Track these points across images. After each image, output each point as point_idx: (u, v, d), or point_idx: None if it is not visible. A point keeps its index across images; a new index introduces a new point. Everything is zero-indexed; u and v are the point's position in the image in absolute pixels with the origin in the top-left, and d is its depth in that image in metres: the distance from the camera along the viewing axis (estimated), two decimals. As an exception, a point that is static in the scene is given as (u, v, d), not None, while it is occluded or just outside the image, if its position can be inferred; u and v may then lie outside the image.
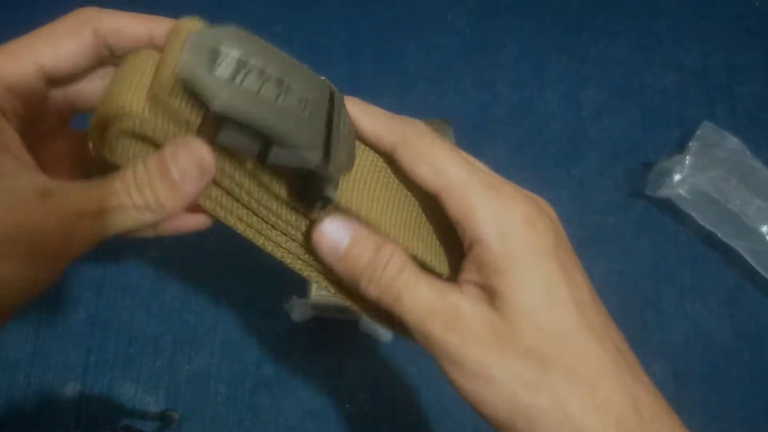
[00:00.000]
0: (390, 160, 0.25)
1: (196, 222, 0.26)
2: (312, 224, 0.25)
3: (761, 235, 0.55)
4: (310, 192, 0.23)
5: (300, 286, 0.57)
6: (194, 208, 0.26)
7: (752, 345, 0.55)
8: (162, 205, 0.21)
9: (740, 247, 0.55)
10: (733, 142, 0.57)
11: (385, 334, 0.55)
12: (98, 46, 0.23)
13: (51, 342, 0.56)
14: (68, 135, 0.26)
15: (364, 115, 0.26)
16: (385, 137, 0.25)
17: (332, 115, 0.26)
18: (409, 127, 0.24)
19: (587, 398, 0.21)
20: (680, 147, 0.60)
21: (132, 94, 0.21)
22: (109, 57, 0.24)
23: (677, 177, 0.56)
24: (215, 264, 0.58)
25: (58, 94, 0.24)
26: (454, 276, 0.26)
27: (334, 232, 0.24)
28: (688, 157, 0.57)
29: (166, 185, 0.21)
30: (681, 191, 0.56)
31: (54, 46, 0.22)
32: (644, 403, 0.22)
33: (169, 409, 0.54)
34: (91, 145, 0.22)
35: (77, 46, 0.23)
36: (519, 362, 0.21)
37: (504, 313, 0.22)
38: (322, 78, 0.25)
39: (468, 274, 0.23)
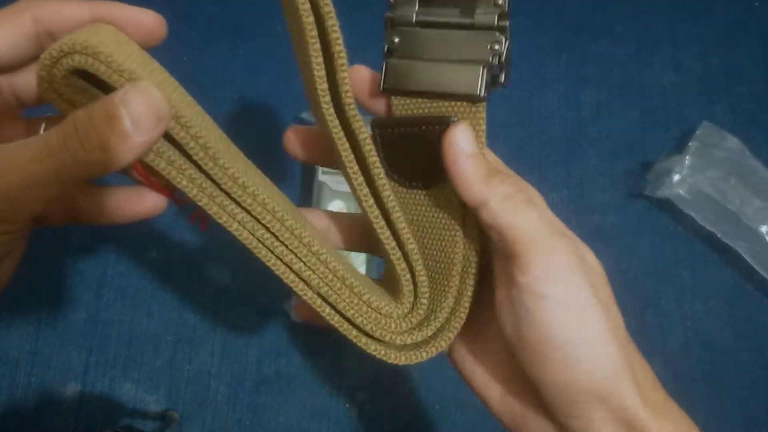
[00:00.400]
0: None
1: (149, 207, 0.25)
2: None
3: (760, 235, 0.55)
4: None
5: (300, 286, 0.57)
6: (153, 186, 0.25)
7: (752, 345, 0.55)
8: (110, 156, 0.19)
9: (740, 247, 0.55)
10: (732, 142, 0.57)
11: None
12: (39, 34, 0.23)
13: (51, 342, 0.56)
14: (20, 125, 0.26)
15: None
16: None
17: None
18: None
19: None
20: (679, 147, 0.60)
21: (103, 42, 0.20)
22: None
23: (676, 177, 0.56)
24: (215, 264, 0.58)
25: (3, 84, 0.24)
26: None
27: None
28: (687, 157, 0.57)
29: (116, 135, 0.19)
30: (680, 191, 0.56)
31: None
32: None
33: (169, 408, 0.54)
34: (39, 76, 0.20)
35: (16, 32, 0.22)
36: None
37: None
38: None
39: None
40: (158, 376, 0.55)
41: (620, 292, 0.56)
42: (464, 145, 0.24)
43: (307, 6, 0.23)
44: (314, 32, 0.24)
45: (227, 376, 0.55)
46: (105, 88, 0.21)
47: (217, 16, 0.66)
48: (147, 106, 0.19)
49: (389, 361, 0.25)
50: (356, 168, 0.24)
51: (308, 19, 0.22)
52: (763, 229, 0.55)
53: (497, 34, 0.24)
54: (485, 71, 0.23)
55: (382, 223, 0.25)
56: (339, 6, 0.70)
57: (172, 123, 0.21)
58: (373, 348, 0.25)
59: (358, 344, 0.25)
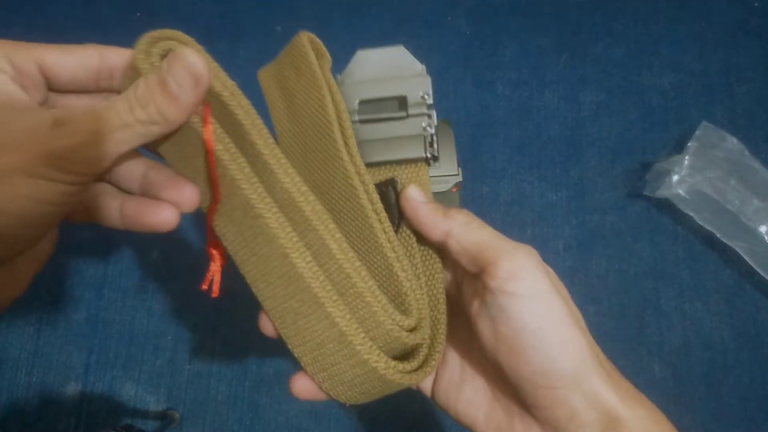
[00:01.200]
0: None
1: (162, 220, 0.28)
2: None
3: (760, 235, 0.55)
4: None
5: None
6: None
7: (751, 345, 0.55)
8: (165, 117, 0.23)
9: (739, 247, 0.55)
10: (732, 142, 0.57)
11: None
12: (101, 71, 0.25)
13: (52, 342, 0.56)
14: None
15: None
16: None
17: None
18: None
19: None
20: (679, 147, 0.60)
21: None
22: (107, 88, 0.26)
23: (676, 177, 0.56)
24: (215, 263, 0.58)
25: (51, 99, 0.26)
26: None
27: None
28: (687, 157, 0.57)
29: (166, 98, 0.23)
30: (680, 191, 0.56)
31: (61, 53, 0.24)
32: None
33: (170, 408, 0.54)
34: (139, 50, 0.24)
35: (81, 60, 0.25)
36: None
37: None
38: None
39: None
40: (159, 376, 0.55)
41: (620, 292, 0.57)
42: (418, 197, 0.29)
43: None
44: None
45: (228, 376, 0.55)
46: None
47: (217, 17, 0.66)
48: (185, 69, 0.23)
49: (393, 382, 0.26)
50: (375, 218, 0.29)
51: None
52: (763, 229, 0.55)
53: (428, 117, 0.32)
54: (425, 140, 0.31)
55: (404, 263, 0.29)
56: (338, 8, 0.71)
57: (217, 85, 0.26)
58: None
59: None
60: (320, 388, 0.29)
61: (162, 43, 0.25)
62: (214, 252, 0.30)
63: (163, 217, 0.28)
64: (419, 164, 0.32)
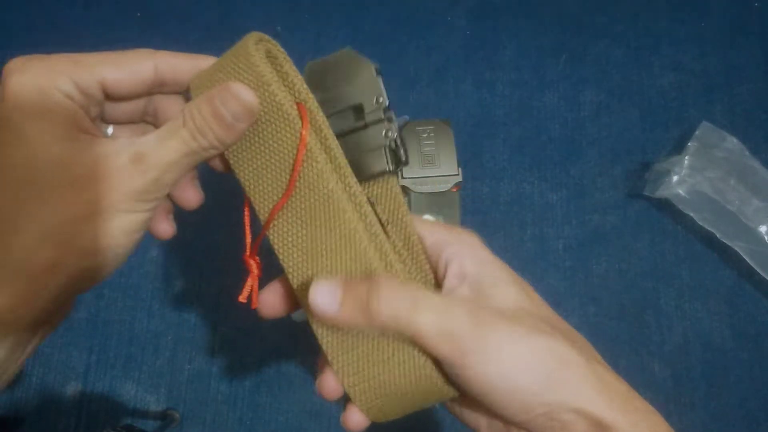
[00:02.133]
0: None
1: (159, 232, 0.30)
2: None
3: (759, 235, 0.55)
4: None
5: (300, 285, 0.57)
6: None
7: (751, 344, 0.55)
8: (223, 142, 0.27)
9: (739, 246, 0.55)
10: (732, 142, 0.57)
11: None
12: (154, 81, 0.27)
13: (53, 342, 0.56)
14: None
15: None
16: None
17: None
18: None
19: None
20: (679, 147, 0.60)
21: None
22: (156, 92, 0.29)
23: (676, 177, 0.56)
24: (216, 264, 0.58)
25: (106, 108, 0.29)
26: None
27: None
28: (687, 157, 0.57)
29: (224, 128, 0.26)
30: (680, 191, 0.56)
31: (119, 68, 0.27)
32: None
33: (170, 408, 0.54)
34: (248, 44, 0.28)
35: (138, 75, 0.27)
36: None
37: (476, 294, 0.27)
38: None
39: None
40: (159, 376, 0.55)
41: (620, 292, 0.57)
42: (323, 303, 0.26)
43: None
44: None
45: (228, 376, 0.55)
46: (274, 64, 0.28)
47: (217, 16, 0.66)
48: (239, 104, 0.26)
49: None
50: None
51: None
52: (762, 228, 0.55)
53: (386, 122, 0.30)
54: (387, 151, 0.30)
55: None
56: (338, 8, 0.71)
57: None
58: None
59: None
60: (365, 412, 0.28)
61: (263, 43, 0.28)
62: (252, 263, 0.32)
63: (162, 230, 0.30)
64: (387, 177, 0.30)
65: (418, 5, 0.66)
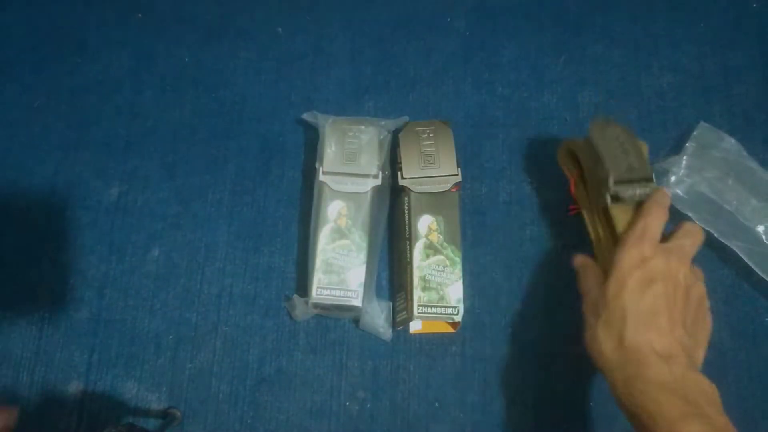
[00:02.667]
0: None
1: None
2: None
3: (757, 235, 0.56)
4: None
5: (301, 285, 0.58)
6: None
7: (749, 344, 0.55)
8: None
9: (736, 246, 0.56)
10: (729, 142, 0.58)
11: (384, 332, 0.55)
12: None
13: (54, 341, 0.57)
14: None
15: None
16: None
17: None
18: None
19: (605, 332, 0.44)
20: (677, 148, 0.61)
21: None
22: None
23: (674, 178, 0.57)
24: (217, 263, 0.59)
25: None
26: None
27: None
28: (684, 157, 0.57)
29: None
30: (678, 191, 0.57)
31: None
32: (631, 342, 0.42)
33: (171, 406, 0.55)
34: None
35: None
36: (591, 315, 0.45)
37: (602, 293, 0.45)
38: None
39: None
40: (160, 375, 0.56)
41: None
42: None
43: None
44: None
45: (229, 375, 0.56)
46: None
47: (218, 17, 0.67)
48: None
49: None
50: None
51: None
52: (760, 228, 0.56)
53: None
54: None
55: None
56: (338, 9, 0.71)
57: None
58: None
59: None
60: None
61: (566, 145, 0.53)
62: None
63: None
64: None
65: (418, 7, 0.66)
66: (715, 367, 0.55)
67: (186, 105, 0.64)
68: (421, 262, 0.53)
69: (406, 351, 0.56)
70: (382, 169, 0.57)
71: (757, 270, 0.55)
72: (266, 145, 0.62)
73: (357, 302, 0.54)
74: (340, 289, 0.54)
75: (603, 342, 0.42)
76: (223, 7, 0.67)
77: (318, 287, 0.54)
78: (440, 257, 0.53)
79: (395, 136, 0.59)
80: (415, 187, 0.55)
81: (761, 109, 0.62)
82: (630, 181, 0.49)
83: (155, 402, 0.55)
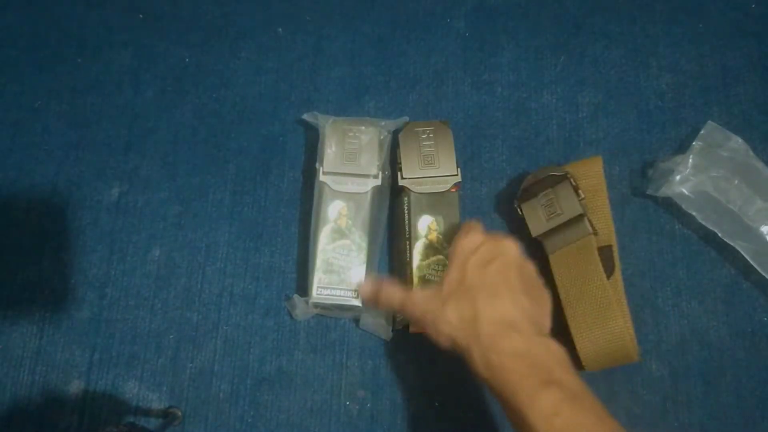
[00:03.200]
0: None
1: None
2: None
3: (762, 235, 0.55)
4: None
5: (301, 285, 0.58)
6: None
7: (748, 343, 0.56)
8: None
9: (740, 246, 0.55)
10: (737, 142, 0.57)
11: (384, 331, 0.56)
12: None
13: (55, 340, 0.57)
14: None
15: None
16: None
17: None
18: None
19: (456, 312, 0.43)
20: (677, 148, 0.61)
21: None
22: None
23: (679, 176, 0.56)
24: (217, 263, 0.59)
25: None
26: None
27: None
28: (691, 156, 0.57)
29: None
30: (683, 190, 0.56)
31: None
32: (486, 317, 0.42)
33: (172, 406, 0.55)
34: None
35: None
36: (435, 305, 0.43)
37: (438, 286, 0.44)
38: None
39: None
40: (161, 374, 0.56)
41: (616, 291, 0.57)
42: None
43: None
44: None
45: (229, 374, 0.56)
46: None
47: (218, 18, 0.67)
48: None
49: None
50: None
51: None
52: (764, 229, 0.55)
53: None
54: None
55: None
56: (338, 10, 0.71)
57: None
58: None
59: None
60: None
61: None
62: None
63: None
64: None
65: (418, 8, 0.67)
66: (714, 366, 0.55)
67: (186, 105, 0.64)
68: (420, 262, 0.53)
69: (406, 351, 0.56)
70: (382, 169, 0.57)
71: (760, 270, 0.55)
72: (266, 145, 0.62)
73: (357, 302, 0.54)
74: (340, 289, 0.54)
75: (454, 322, 0.42)
76: (223, 7, 0.67)
77: (318, 287, 0.54)
78: (440, 257, 0.54)
79: (395, 136, 0.59)
80: (415, 187, 0.55)
81: (760, 110, 0.62)
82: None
83: (156, 401, 0.55)
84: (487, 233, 0.46)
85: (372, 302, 0.47)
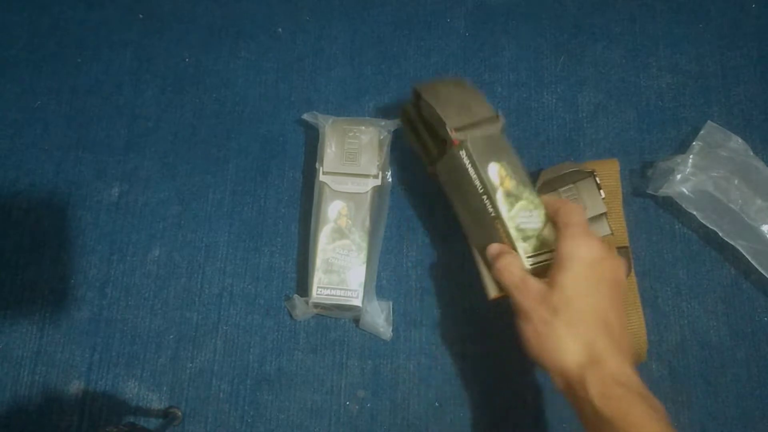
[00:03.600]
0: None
1: None
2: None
3: (762, 235, 0.55)
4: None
5: (301, 285, 0.58)
6: None
7: (747, 343, 0.56)
8: None
9: (741, 245, 0.55)
10: (737, 141, 0.57)
11: (384, 331, 0.56)
12: None
13: (55, 340, 0.57)
14: None
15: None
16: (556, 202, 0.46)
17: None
18: (568, 201, 0.48)
19: (570, 333, 0.40)
20: (677, 148, 0.61)
21: None
22: None
23: (679, 176, 0.56)
24: (217, 263, 0.59)
25: None
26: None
27: (494, 246, 0.47)
28: (691, 156, 0.57)
29: None
30: (683, 189, 0.56)
31: None
32: (603, 346, 0.39)
33: (172, 406, 0.55)
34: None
35: None
36: (545, 309, 0.41)
37: (551, 286, 0.41)
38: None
39: (550, 272, 0.43)
40: (161, 374, 0.56)
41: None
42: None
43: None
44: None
45: (229, 374, 0.56)
46: None
47: (218, 18, 0.67)
48: None
49: None
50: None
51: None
52: (765, 228, 0.55)
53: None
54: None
55: None
56: (338, 10, 0.71)
57: None
58: None
59: None
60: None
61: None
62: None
63: None
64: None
65: (418, 7, 0.67)
66: (714, 366, 0.55)
67: (186, 105, 0.64)
68: (509, 213, 0.47)
69: (406, 351, 0.56)
70: (383, 168, 0.57)
71: (761, 269, 0.55)
72: (266, 145, 0.62)
73: (357, 302, 0.54)
74: (340, 289, 0.54)
75: (567, 341, 0.39)
76: (223, 8, 0.67)
77: (318, 287, 0.54)
78: (523, 202, 0.47)
79: (395, 136, 0.59)
80: (469, 135, 0.48)
81: (760, 110, 0.62)
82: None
83: (156, 401, 0.55)
84: (603, 241, 0.43)
85: (493, 262, 0.45)
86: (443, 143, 0.49)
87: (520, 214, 0.46)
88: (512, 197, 0.47)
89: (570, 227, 0.43)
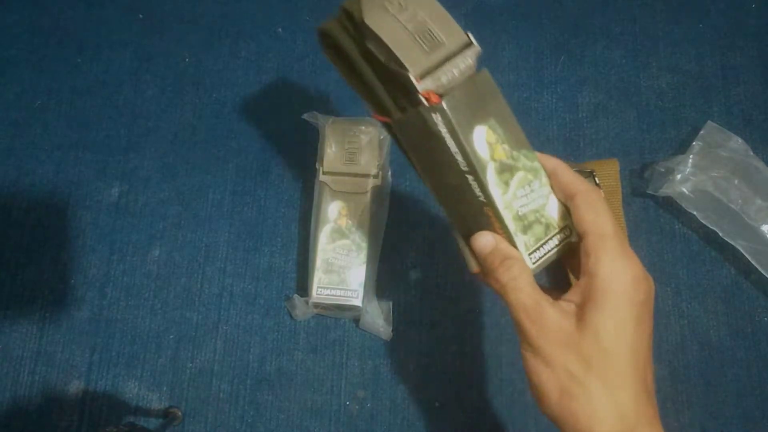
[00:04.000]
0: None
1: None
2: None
3: (762, 235, 0.55)
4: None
5: (301, 285, 0.58)
6: None
7: (748, 343, 0.56)
8: None
9: (741, 246, 0.56)
10: (737, 142, 0.58)
11: (384, 331, 0.56)
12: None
13: (55, 340, 0.57)
14: None
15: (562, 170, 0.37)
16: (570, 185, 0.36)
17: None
18: (586, 183, 0.36)
19: (607, 397, 0.31)
20: (677, 147, 0.61)
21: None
22: None
23: (679, 176, 0.56)
24: (217, 262, 0.59)
25: None
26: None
27: (485, 239, 0.35)
28: (691, 156, 0.57)
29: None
30: (683, 190, 0.56)
31: None
32: (640, 413, 0.31)
33: (172, 406, 0.55)
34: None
35: None
36: (574, 360, 0.31)
37: (581, 328, 0.31)
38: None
39: (572, 295, 0.33)
40: (161, 374, 0.56)
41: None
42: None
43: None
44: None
45: (229, 374, 0.56)
46: None
47: (218, 18, 0.67)
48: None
49: None
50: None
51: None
52: (765, 228, 0.56)
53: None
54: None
55: None
56: (337, 11, 0.70)
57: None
58: None
59: None
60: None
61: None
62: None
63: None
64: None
65: (418, 7, 0.66)
66: (714, 366, 0.55)
67: (186, 105, 0.64)
68: (503, 197, 0.34)
69: (406, 351, 0.56)
70: (382, 169, 0.57)
71: (761, 270, 0.55)
72: (266, 145, 0.62)
73: (357, 302, 0.54)
74: (340, 289, 0.54)
75: (602, 409, 0.30)
76: (223, 7, 0.67)
77: (318, 287, 0.54)
78: (520, 174, 0.35)
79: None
80: (443, 88, 0.34)
81: (760, 110, 0.62)
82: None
83: (156, 401, 0.55)
84: (634, 253, 0.34)
85: (488, 268, 0.34)
86: (401, 91, 0.34)
87: (518, 194, 0.34)
88: (506, 171, 0.34)
89: (605, 239, 0.32)
